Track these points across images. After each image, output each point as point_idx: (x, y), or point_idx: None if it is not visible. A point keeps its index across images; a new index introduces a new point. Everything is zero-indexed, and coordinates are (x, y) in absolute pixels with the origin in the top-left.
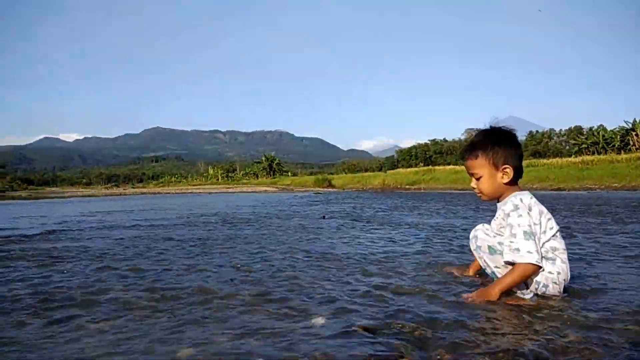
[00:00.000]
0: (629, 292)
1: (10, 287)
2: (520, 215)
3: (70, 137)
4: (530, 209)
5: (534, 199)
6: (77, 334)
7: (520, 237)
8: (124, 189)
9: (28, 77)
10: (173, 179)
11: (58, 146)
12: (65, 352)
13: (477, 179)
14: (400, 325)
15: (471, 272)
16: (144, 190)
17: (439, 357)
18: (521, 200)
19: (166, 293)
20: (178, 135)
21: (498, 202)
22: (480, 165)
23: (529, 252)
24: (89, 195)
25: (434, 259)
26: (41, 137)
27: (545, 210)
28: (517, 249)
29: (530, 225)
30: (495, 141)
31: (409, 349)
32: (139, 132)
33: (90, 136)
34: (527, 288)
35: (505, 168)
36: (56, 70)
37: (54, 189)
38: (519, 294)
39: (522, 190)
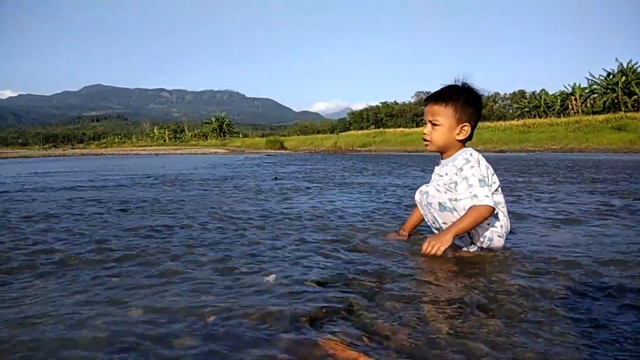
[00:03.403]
0: (562, 246)
1: None
2: (473, 166)
3: (2, 94)
4: (479, 162)
5: (480, 155)
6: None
7: (477, 185)
8: (63, 150)
9: None
10: (116, 139)
11: None
12: (11, 314)
13: (434, 126)
14: (351, 279)
15: (407, 234)
16: (85, 151)
17: (388, 306)
18: (471, 154)
19: (114, 254)
20: (120, 93)
21: (442, 158)
22: (446, 114)
23: (486, 196)
24: (24, 156)
25: (384, 216)
26: None
27: (489, 165)
28: (476, 195)
29: (482, 175)
30: (468, 97)
31: (359, 300)
32: (79, 90)
33: (25, 93)
34: (473, 243)
35: (464, 126)
36: None
37: None
38: (464, 248)
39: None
